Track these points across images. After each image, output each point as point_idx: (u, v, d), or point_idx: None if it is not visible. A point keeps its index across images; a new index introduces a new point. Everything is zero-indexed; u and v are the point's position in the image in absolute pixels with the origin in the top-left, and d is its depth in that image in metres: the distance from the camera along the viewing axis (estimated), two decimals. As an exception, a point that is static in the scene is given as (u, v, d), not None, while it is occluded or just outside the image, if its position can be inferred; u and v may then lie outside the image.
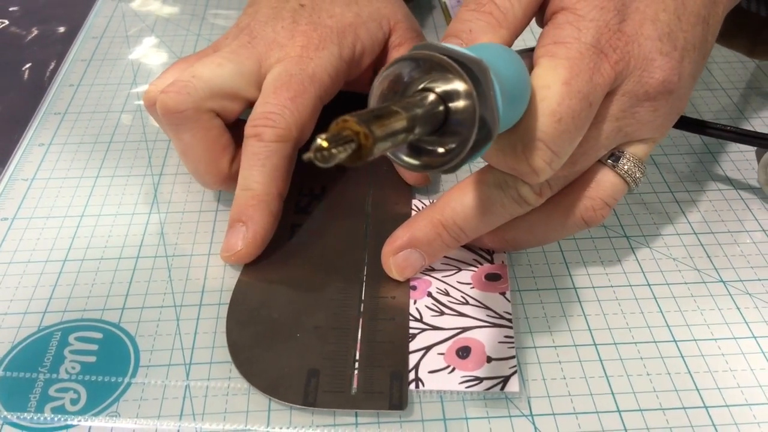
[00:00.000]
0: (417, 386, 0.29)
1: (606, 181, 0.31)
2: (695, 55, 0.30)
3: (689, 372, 0.30)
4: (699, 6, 0.30)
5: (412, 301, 0.33)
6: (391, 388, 0.29)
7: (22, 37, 0.56)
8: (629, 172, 0.31)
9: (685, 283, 0.34)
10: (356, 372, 0.30)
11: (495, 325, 0.31)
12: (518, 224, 0.33)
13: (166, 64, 0.51)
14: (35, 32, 0.56)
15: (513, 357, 0.30)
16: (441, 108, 0.22)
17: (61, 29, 0.56)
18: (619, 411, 0.29)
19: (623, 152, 0.31)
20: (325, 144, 0.19)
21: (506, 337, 0.31)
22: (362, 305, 0.32)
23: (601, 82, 0.27)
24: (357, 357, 0.30)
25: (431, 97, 0.22)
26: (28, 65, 0.52)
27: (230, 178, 0.36)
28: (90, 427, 0.28)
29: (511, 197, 0.30)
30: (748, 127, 0.44)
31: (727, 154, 0.42)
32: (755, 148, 0.40)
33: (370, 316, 0.32)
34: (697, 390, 0.30)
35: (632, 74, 0.28)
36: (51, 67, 0.52)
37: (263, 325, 0.32)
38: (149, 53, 0.52)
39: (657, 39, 0.29)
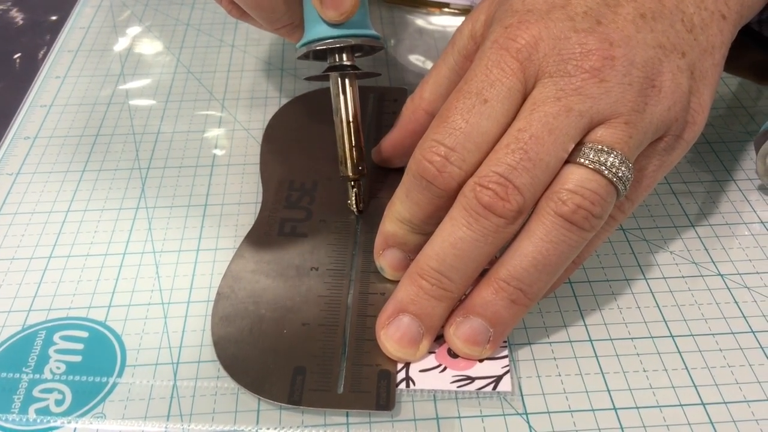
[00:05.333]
0: (408, 385, 0.29)
1: (569, 173, 0.28)
2: (638, 22, 0.29)
3: (686, 368, 0.30)
4: None
5: (404, 297, 0.32)
6: (379, 387, 0.28)
7: (13, 26, 0.55)
8: (593, 159, 0.28)
9: (683, 277, 0.34)
10: (343, 370, 0.29)
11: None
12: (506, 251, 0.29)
13: (154, 55, 0.50)
14: (26, 21, 0.55)
15: (506, 356, 0.30)
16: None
17: (53, 18, 0.55)
18: (615, 408, 0.28)
19: (584, 142, 0.28)
20: None
21: (500, 333, 0.30)
22: (351, 302, 0.32)
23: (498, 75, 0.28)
24: (345, 355, 0.30)
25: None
26: (18, 55, 0.51)
27: None
28: (75, 429, 0.28)
29: (480, 225, 0.28)
30: (750, 120, 0.43)
31: (725, 144, 0.41)
32: (753, 138, 0.39)
33: (359, 314, 0.31)
34: (695, 386, 0.29)
35: (547, 57, 0.28)
36: (40, 57, 0.51)
37: (249, 320, 0.31)
38: (137, 43, 0.51)
39: (567, 20, 0.29)
